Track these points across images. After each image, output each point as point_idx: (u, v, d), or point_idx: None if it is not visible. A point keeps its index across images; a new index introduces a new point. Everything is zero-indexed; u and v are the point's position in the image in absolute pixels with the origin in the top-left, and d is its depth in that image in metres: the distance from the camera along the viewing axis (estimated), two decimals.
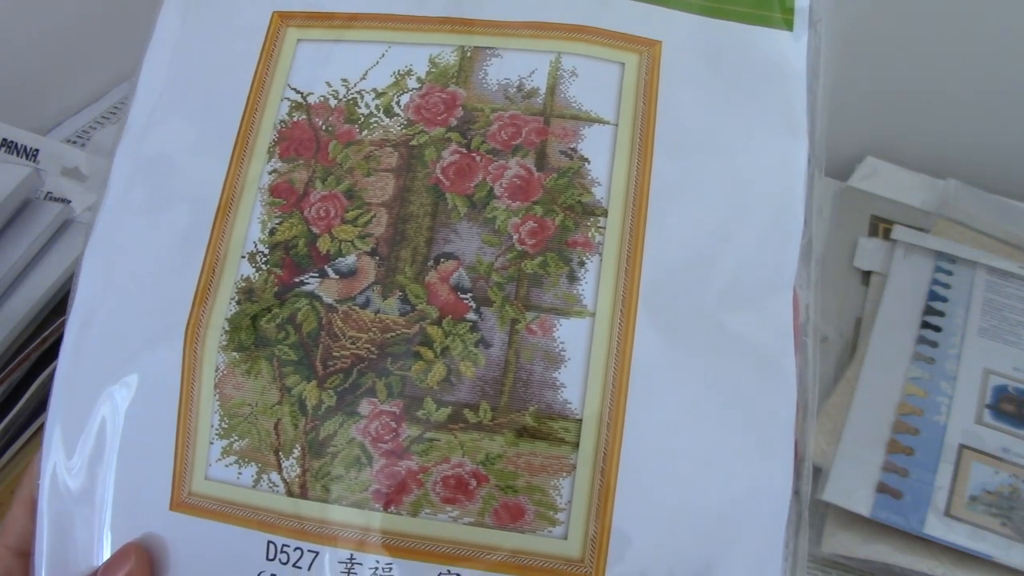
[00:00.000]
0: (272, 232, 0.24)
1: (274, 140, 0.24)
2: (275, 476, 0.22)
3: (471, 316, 0.22)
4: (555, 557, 0.21)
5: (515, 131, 0.23)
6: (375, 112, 0.24)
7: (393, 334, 0.22)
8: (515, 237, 0.23)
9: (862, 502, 0.43)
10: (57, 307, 0.46)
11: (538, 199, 0.23)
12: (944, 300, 0.55)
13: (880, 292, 0.56)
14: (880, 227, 0.62)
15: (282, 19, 0.25)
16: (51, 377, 0.47)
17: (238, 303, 0.23)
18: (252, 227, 0.24)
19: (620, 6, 0.24)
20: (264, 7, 0.26)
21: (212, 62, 0.26)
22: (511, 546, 0.21)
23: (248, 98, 0.25)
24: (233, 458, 0.23)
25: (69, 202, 0.49)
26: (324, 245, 0.23)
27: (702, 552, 0.21)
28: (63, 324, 0.47)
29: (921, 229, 0.60)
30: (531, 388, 0.22)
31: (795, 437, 0.22)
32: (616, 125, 0.23)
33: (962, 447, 0.46)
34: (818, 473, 0.46)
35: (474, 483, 0.21)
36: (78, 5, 0.67)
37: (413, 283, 0.23)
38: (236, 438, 0.23)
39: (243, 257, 0.24)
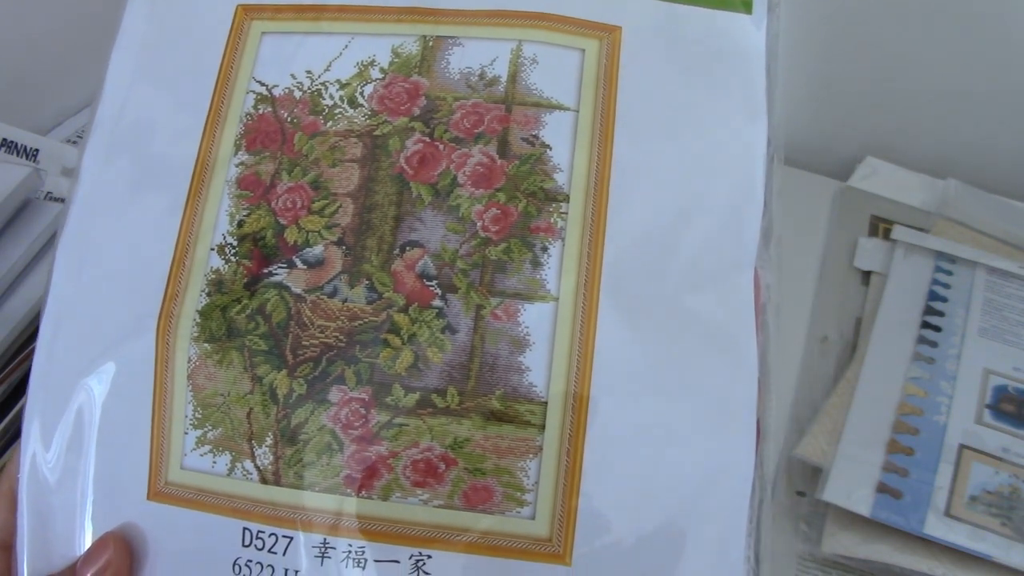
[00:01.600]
0: (240, 224, 0.24)
1: (240, 133, 0.24)
2: (249, 464, 0.23)
3: (437, 303, 0.23)
4: (524, 537, 0.21)
5: (477, 119, 0.24)
6: (339, 103, 0.24)
7: (361, 322, 0.23)
8: (479, 224, 0.23)
9: (862, 502, 0.43)
10: None
11: (501, 186, 0.23)
12: (944, 300, 0.55)
13: (880, 292, 0.56)
14: (880, 227, 0.62)
15: (246, 12, 0.25)
16: None
17: (208, 295, 0.24)
18: (220, 219, 0.24)
19: None
20: (228, 1, 0.26)
21: (177, 56, 0.26)
22: (480, 527, 0.21)
23: (214, 92, 0.25)
24: (208, 447, 0.23)
25: None
26: (292, 236, 0.24)
27: (668, 527, 0.21)
28: None
29: (921, 229, 0.60)
30: (497, 372, 0.22)
31: (757, 415, 0.22)
32: (577, 111, 0.23)
33: (962, 447, 0.46)
34: (818, 473, 0.46)
35: (443, 466, 0.22)
36: (78, 5, 0.67)
37: (379, 272, 0.23)
38: (210, 427, 0.23)
39: (212, 249, 0.24)
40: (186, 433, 0.23)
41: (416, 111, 0.24)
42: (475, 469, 0.22)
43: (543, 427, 0.22)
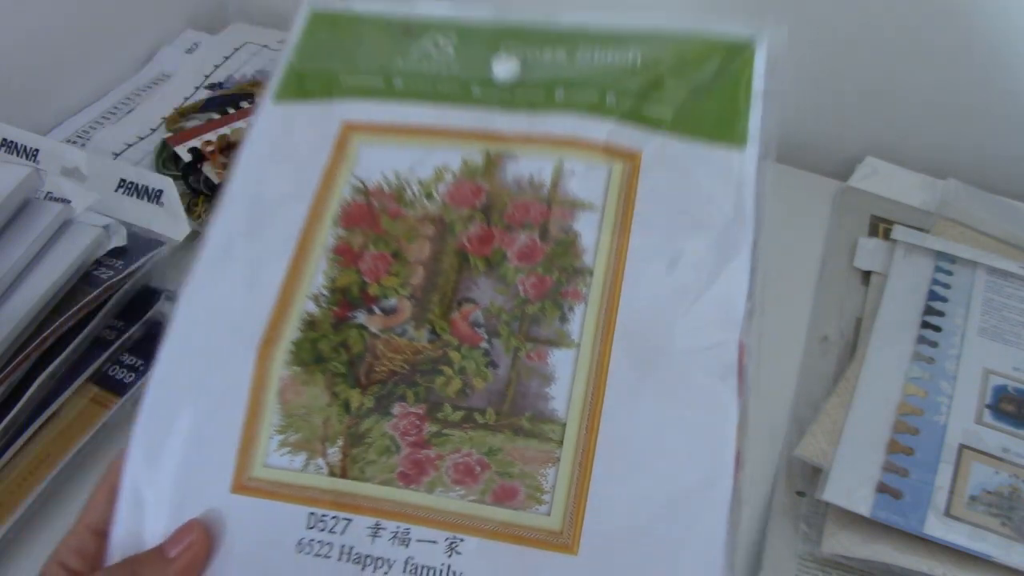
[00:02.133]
0: (333, 280, 0.31)
1: (338, 214, 0.32)
2: (320, 461, 0.28)
3: (484, 344, 0.29)
4: (540, 529, 0.26)
5: (525, 212, 0.31)
6: (418, 197, 0.32)
7: (422, 356, 0.29)
8: (520, 288, 0.30)
9: (862, 502, 0.43)
10: (57, 307, 0.46)
11: (540, 262, 0.30)
12: (944, 300, 0.55)
13: (880, 292, 0.56)
14: (880, 227, 0.62)
15: (349, 129, 0.34)
16: (51, 377, 0.47)
17: (302, 331, 0.30)
18: (317, 276, 0.31)
19: (613, 126, 0.32)
20: (336, 119, 0.34)
21: (296, 153, 0.34)
22: (505, 519, 0.27)
23: (320, 183, 0.33)
24: (288, 448, 0.28)
25: (69, 202, 0.49)
26: (373, 290, 0.30)
27: (660, 528, 0.26)
28: (63, 324, 0.48)
29: (921, 229, 0.60)
30: (527, 399, 0.28)
31: (736, 449, 0.27)
32: (603, 211, 0.31)
33: (962, 447, 0.46)
34: (818, 473, 0.46)
35: (479, 469, 0.27)
36: (78, 5, 0.67)
37: (440, 320, 0.30)
38: (292, 433, 0.29)
39: (309, 298, 0.31)
40: (271, 437, 0.29)
41: (478, 204, 0.31)
42: (504, 473, 0.27)
43: (561, 443, 0.27)
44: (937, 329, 0.53)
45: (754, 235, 0.30)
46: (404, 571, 0.26)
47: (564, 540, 0.26)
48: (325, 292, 0.30)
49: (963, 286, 0.56)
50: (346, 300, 0.30)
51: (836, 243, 0.61)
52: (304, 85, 0.35)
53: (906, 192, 0.65)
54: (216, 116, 0.63)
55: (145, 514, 0.28)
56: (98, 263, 0.49)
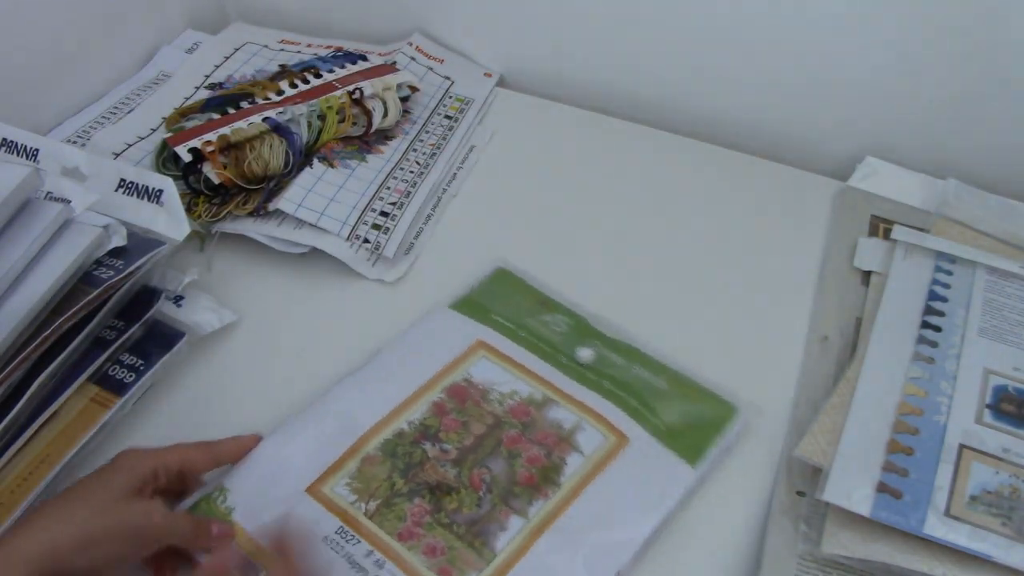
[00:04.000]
0: (424, 419, 0.49)
1: (448, 386, 0.51)
2: (362, 505, 0.45)
3: (481, 492, 0.46)
4: None
5: (545, 437, 0.49)
6: (496, 401, 0.51)
7: (446, 481, 0.47)
8: (518, 475, 0.47)
9: (862, 502, 0.44)
10: (57, 307, 0.46)
11: (537, 467, 0.48)
12: (944, 300, 0.55)
13: (880, 292, 0.56)
14: (880, 227, 0.62)
15: (479, 343, 0.54)
16: (51, 377, 0.47)
17: (392, 436, 0.49)
18: (417, 413, 0.50)
19: (622, 415, 0.50)
20: (475, 335, 0.54)
21: (445, 341, 0.54)
22: None
23: (448, 363, 0.52)
24: (350, 489, 0.46)
25: (69, 202, 0.49)
26: (441, 435, 0.49)
27: None
28: (63, 324, 0.47)
29: (921, 229, 0.60)
30: (486, 534, 0.45)
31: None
32: (585, 458, 0.48)
33: (962, 447, 0.46)
34: (818, 473, 0.46)
35: (439, 552, 0.44)
36: (78, 5, 0.67)
37: (466, 470, 0.47)
38: (356, 483, 0.46)
39: (406, 421, 0.49)
40: (343, 480, 0.46)
41: (524, 421, 0.50)
42: (450, 560, 0.44)
43: (488, 563, 0.43)
44: (937, 329, 0.53)
45: (665, 514, 0.46)
46: None
47: None
48: (416, 422, 0.49)
49: (963, 286, 0.56)
50: (425, 432, 0.49)
51: (836, 243, 0.61)
52: (469, 307, 0.57)
53: (906, 192, 0.65)
54: (216, 116, 0.63)
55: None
56: (98, 263, 0.49)
